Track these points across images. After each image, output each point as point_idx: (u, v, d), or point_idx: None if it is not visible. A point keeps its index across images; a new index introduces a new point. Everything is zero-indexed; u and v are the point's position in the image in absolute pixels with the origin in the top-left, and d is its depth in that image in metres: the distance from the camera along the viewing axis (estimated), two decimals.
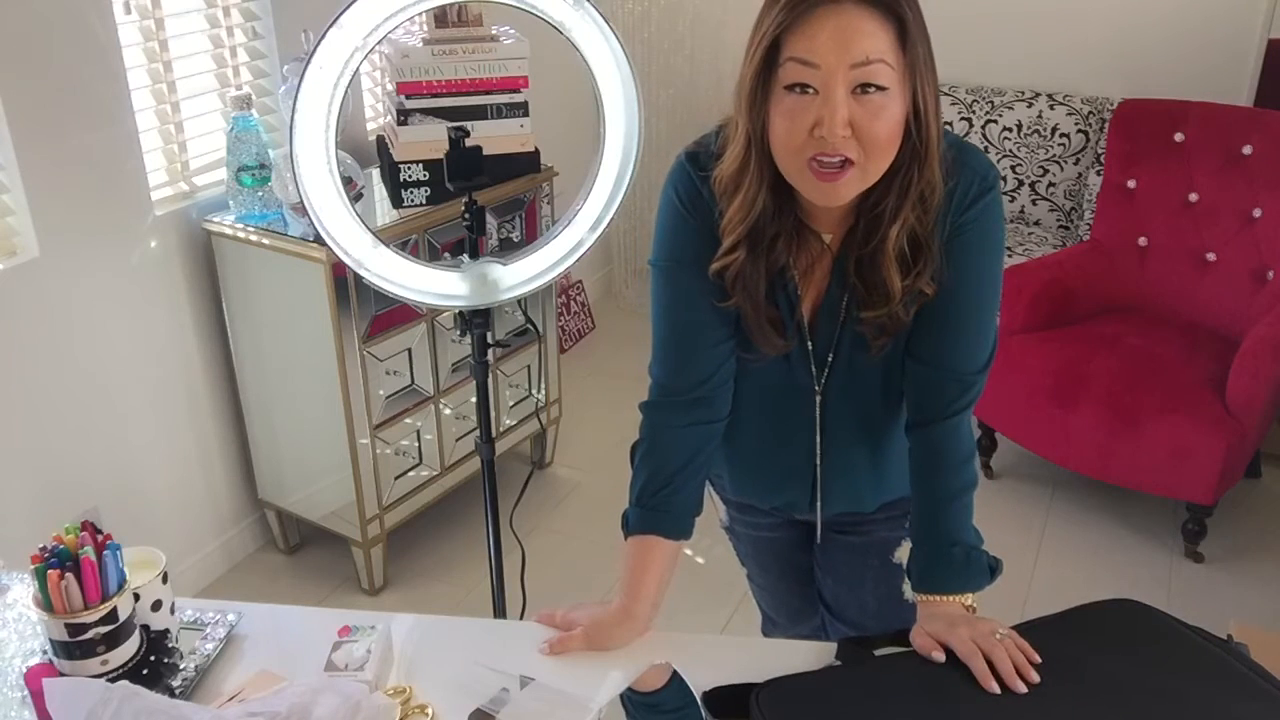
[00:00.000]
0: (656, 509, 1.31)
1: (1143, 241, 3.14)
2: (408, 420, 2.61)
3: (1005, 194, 3.63)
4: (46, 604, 1.12)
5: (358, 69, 1.46)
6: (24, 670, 1.17)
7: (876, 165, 1.14)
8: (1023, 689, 1.08)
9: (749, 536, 1.62)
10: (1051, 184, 3.58)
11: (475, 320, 1.70)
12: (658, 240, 1.31)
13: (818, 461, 1.40)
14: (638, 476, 1.34)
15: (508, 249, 2.64)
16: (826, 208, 1.21)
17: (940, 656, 1.13)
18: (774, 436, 1.41)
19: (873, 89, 1.09)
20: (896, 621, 1.51)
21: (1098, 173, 3.39)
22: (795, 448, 1.40)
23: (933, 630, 1.16)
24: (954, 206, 1.21)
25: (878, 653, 1.19)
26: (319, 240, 1.80)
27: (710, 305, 1.27)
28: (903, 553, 1.47)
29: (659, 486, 1.31)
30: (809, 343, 1.30)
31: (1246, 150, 2.97)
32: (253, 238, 2.40)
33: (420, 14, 1.72)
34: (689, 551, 2.77)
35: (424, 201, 2.51)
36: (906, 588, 1.48)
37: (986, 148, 3.62)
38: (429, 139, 2.46)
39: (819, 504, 1.45)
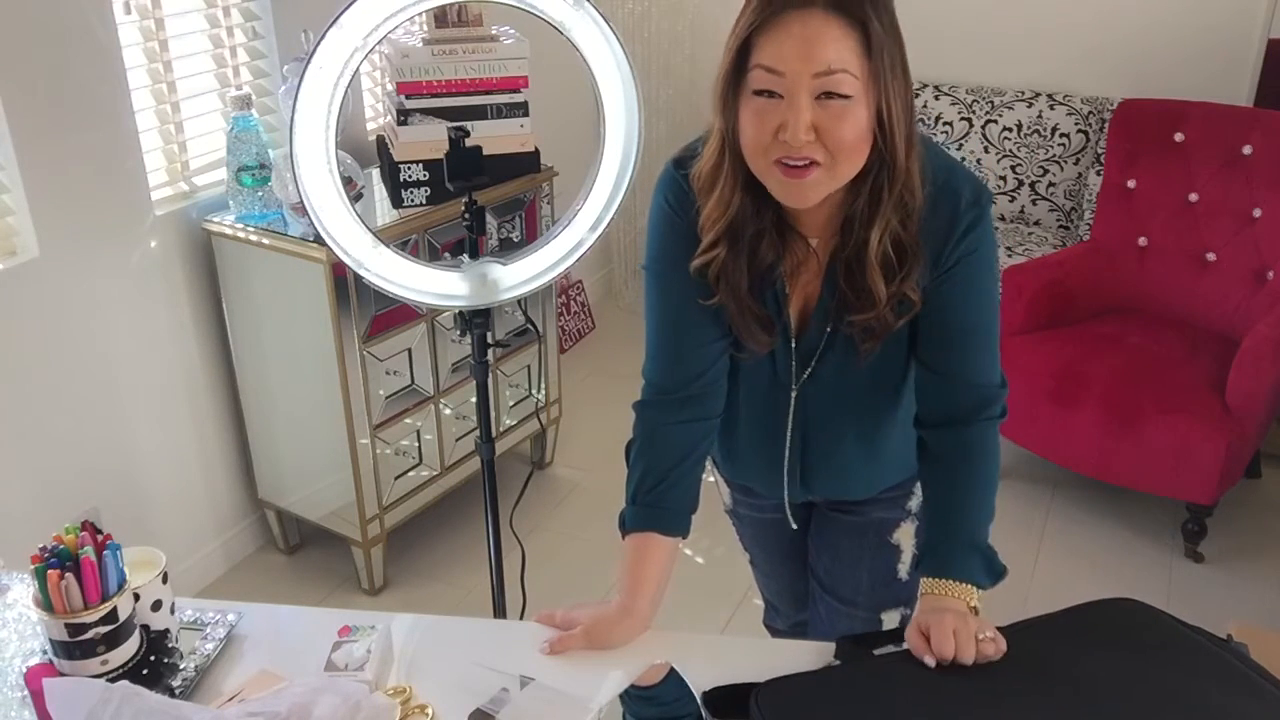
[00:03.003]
0: (652, 505, 1.32)
1: (1143, 241, 3.14)
2: (408, 420, 2.61)
3: (1005, 194, 3.63)
4: (46, 604, 1.12)
5: (358, 69, 1.46)
6: (24, 670, 1.17)
7: (844, 168, 1.15)
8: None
9: (751, 519, 1.64)
10: (1051, 184, 3.58)
11: (475, 320, 1.70)
12: (648, 243, 1.34)
13: (799, 454, 1.41)
14: (632, 474, 1.35)
15: (508, 249, 2.64)
16: (809, 212, 1.23)
17: (930, 661, 1.13)
18: (763, 433, 1.42)
19: (836, 97, 1.11)
20: (889, 600, 1.52)
21: (1098, 173, 3.39)
22: (783, 443, 1.41)
23: (923, 620, 1.16)
24: (955, 234, 1.22)
25: (876, 652, 1.19)
26: (319, 240, 1.80)
27: (700, 305, 1.29)
28: (900, 534, 1.49)
29: (654, 483, 1.32)
30: (793, 343, 1.32)
31: (1246, 150, 2.97)
32: (253, 238, 2.40)
33: (420, 14, 1.72)
34: (689, 551, 2.77)
35: (424, 201, 2.51)
36: (901, 566, 1.50)
37: (987, 148, 3.62)
38: (429, 139, 2.46)
39: (809, 492, 1.47)
